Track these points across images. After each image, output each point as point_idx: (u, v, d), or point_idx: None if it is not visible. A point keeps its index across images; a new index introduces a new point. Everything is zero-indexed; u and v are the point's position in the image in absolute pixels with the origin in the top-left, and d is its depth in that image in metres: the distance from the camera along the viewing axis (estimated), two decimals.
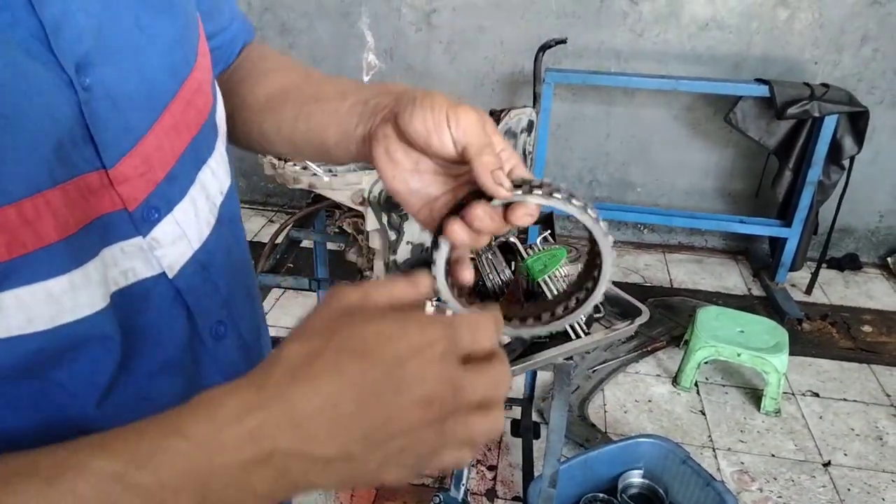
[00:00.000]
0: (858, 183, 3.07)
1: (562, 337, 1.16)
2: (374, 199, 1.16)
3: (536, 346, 1.14)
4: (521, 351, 1.13)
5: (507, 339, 1.13)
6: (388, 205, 1.17)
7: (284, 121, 0.62)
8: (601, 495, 1.85)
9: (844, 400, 2.49)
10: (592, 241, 0.52)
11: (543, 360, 1.13)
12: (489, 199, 0.48)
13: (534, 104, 2.82)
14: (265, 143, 0.67)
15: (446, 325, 0.38)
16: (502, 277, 1.12)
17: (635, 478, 1.89)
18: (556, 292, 1.11)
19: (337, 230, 1.48)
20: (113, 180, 0.45)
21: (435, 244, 0.51)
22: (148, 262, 0.49)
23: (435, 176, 0.53)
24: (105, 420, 0.46)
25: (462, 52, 3.33)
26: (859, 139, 2.86)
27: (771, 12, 3.03)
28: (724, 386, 2.55)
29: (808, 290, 3.16)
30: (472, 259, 1.17)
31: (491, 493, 2.05)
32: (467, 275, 0.53)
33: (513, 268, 1.17)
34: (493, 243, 1.21)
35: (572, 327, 1.18)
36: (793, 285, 3.19)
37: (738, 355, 2.35)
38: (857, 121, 2.83)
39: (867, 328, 2.92)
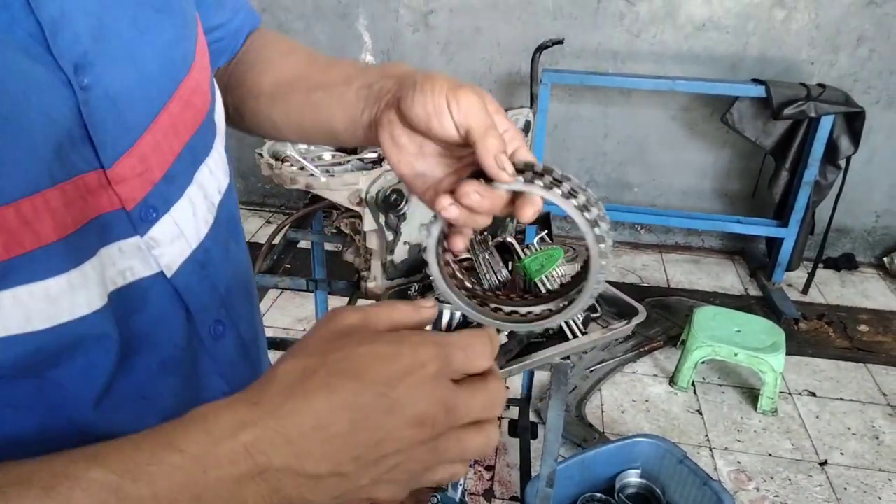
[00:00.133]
0: (855, 183, 3.08)
1: (558, 337, 1.16)
2: (372, 199, 1.16)
3: (533, 345, 1.15)
4: (517, 351, 1.13)
5: (504, 340, 1.13)
6: (386, 205, 1.17)
7: (293, 108, 0.63)
8: (598, 495, 1.86)
9: (841, 399, 2.49)
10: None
11: (540, 360, 1.13)
12: (490, 179, 0.48)
13: (530, 105, 2.83)
14: (275, 131, 0.67)
15: (439, 345, 0.39)
16: (499, 277, 1.12)
17: (632, 477, 1.90)
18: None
19: (334, 231, 1.47)
20: (111, 180, 0.45)
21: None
22: (146, 262, 0.49)
23: (440, 158, 0.53)
24: (104, 419, 0.46)
25: (459, 53, 3.34)
26: (855, 139, 2.87)
27: (768, 13, 3.04)
28: (720, 386, 2.55)
29: (805, 290, 3.17)
30: (469, 258, 1.17)
31: (488, 494, 2.05)
32: (458, 243, 0.52)
33: (510, 267, 1.18)
34: (491, 243, 1.21)
35: (569, 327, 1.18)
36: (789, 285, 3.20)
37: (735, 355, 2.36)
38: (854, 121, 2.83)
39: (863, 328, 2.93)
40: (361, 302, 0.74)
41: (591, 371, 2.57)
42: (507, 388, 2.40)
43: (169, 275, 0.51)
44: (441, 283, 0.54)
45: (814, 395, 2.52)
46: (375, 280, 1.28)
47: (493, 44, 3.30)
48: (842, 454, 2.24)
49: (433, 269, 0.53)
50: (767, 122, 2.94)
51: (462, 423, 0.38)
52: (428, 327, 0.45)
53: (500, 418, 2.25)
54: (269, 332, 2.97)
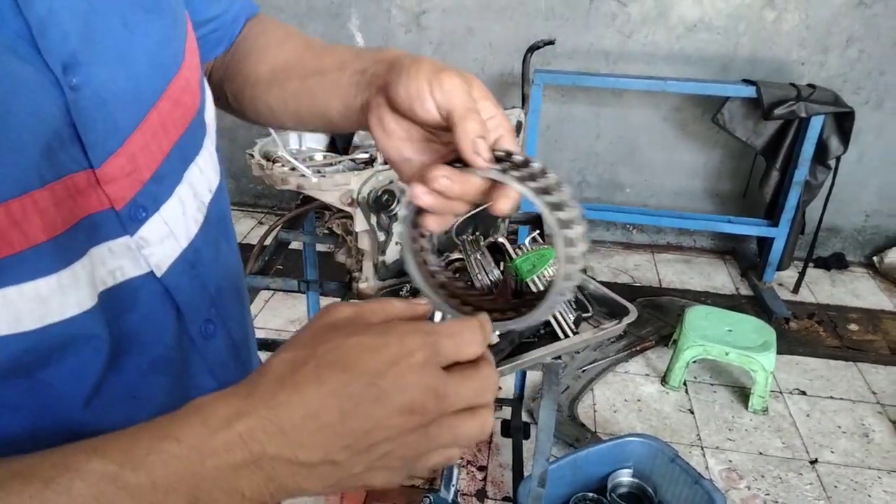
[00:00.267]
0: (844, 183, 3.10)
1: (550, 337, 1.17)
2: (363, 199, 1.16)
3: (525, 345, 1.15)
4: (509, 351, 1.13)
5: (496, 339, 1.13)
6: (377, 206, 1.17)
7: (289, 95, 0.63)
8: (591, 495, 1.86)
9: (831, 398, 2.51)
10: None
11: (532, 359, 1.13)
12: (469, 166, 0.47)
13: (522, 105, 2.83)
14: (273, 118, 0.68)
15: (427, 334, 0.39)
16: (491, 278, 1.13)
17: (625, 477, 1.90)
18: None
19: (326, 231, 1.47)
20: (100, 180, 0.45)
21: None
22: (136, 262, 0.49)
23: (427, 144, 0.52)
24: (94, 419, 0.46)
25: (451, 54, 3.34)
26: (845, 139, 2.89)
27: (758, 13, 3.06)
28: (712, 385, 2.56)
29: (796, 290, 3.19)
30: (461, 259, 1.17)
31: (481, 494, 2.06)
32: (430, 223, 0.50)
33: (501, 268, 1.18)
34: (482, 244, 1.21)
35: (561, 327, 1.19)
36: (780, 284, 3.22)
37: (727, 354, 2.37)
38: (843, 121, 2.85)
39: (853, 327, 2.95)
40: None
41: (584, 371, 2.58)
42: (500, 388, 2.41)
43: (159, 274, 0.51)
44: (411, 267, 0.53)
45: (804, 393, 2.53)
46: (367, 281, 1.28)
47: (485, 44, 3.30)
48: (832, 452, 2.25)
49: (407, 257, 0.53)
50: (758, 123, 2.95)
51: (454, 409, 0.39)
52: None
53: (497, 406, 2.25)
54: (261, 334, 2.96)
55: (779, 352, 2.45)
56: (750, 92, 2.85)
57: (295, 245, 1.74)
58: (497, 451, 2.22)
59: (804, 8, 3.01)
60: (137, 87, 0.48)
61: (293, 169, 1.24)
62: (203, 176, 0.57)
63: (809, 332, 2.90)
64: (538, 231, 1.43)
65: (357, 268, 1.30)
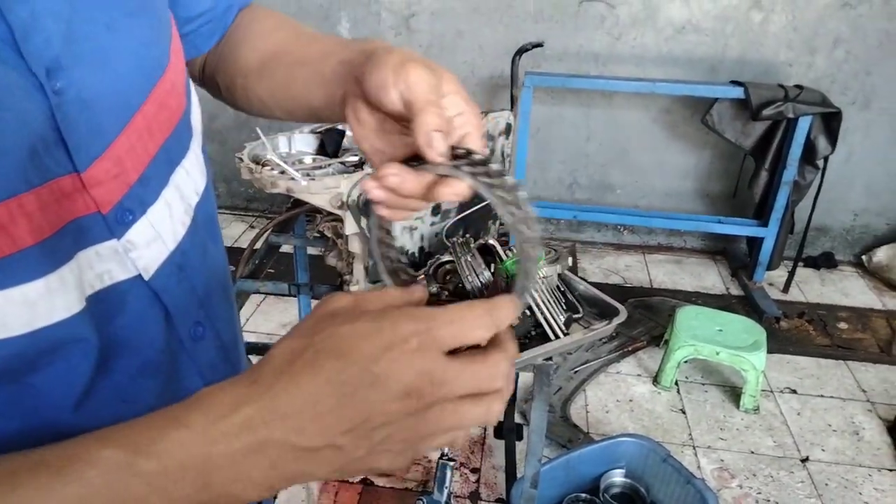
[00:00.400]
0: (832, 183, 3.12)
1: (541, 338, 1.17)
2: (353, 202, 1.16)
3: None
4: None
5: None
6: (367, 208, 1.17)
7: (276, 85, 0.63)
8: (584, 495, 1.87)
9: (821, 396, 2.52)
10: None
11: (523, 361, 1.13)
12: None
13: (511, 107, 2.84)
14: (263, 109, 0.67)
15: (421, 319, 0.39)
16: (481, 279, 1.13)
17: (617, 477, 1.91)
18: (534, 293, 1.12)
19: (317, 234, 1.47)
20: (86, 183, 0.45)
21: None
22: (123, 265, 0.49)
23: (399, 136, 0.51)
24: (83, 423, 0.46)
25: (441, 57, 3.34)
26: (833, 139, 2.91)
27: (745, 15, 3.08)
28: (703, 384, 2.57)
29: (786, 289, 3.21)
30: (451, 261, 1.17)
31: (474, 496, 2.06)
32: (384, 213, 0.49)
33: (492, 269, 1.18)
34: (473, 245, 1.22)
35: (552, 328, 1.19)
36: (770, 284, 3.23)
37: (717, 354, 2.38)
38: (831, 121, 2.88)
39: (843, 325, 2.96)
40: None
41: (576, 372, 2.58)
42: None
43: (147, 277, 0.51)
44: (381, 267, 0.53)
45: (795, 392, 2.54)
46: (358, 283, 1.28)
47: (474, 47, 3.31)
48: (823, 450, 2.27)
49: (375, 252, 0.53)
50: (747, 124, 2.97)
51: (455, 394, 0.38)
52: None
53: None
54: (252, 338, 2.95)
55: (769, 351, 2.47)
56: (738, 93, 2.87)
57: (286, 248, 1.74)
58: (490, 452, 2.22)
59: (791, 10, 3.04)
60: (122, 91, 0.48)
61: (282, 172, 1.24)
62: (190, 178, 0.57)
63: (800, 332, 2.91)
64: None
65: (348, 271, 1.30)
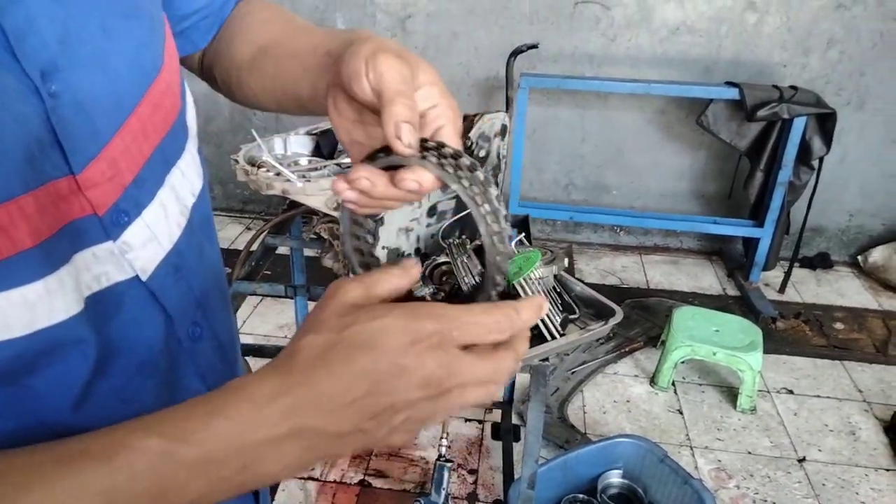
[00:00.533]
0: (828, 183, 3.13)
1: (537, 339, 1.17)
2: None
3: None
4: None
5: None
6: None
7: (266, 77, 0.63)
8: (581, 496, 1.87)
9: (818, 396, 2.53)
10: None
11: None
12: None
13: (506, 108, 2.84)
14: (256, 101, 0.67)
15: (443, 320, 0.42)
16: (477, 280, 1.13)
17: (614, 478, 1.91)
18: (530, 294, 1.12)
19: (313, 236, 1.47)
20: (81, 185, 0.45)
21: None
22: (120, 266, 0.49)
23: (377, 128, 0.49)
24: (82, 423, 0.46)
25: (437, 58, 3.34)
26: (827, 140, 2.92)
27: (740, 16, 3.09)
28: (700, 385, 2.58)
29: (782, 289, 3.21)
30: (447, 263, 1.17)
31: (472, 497, 2.06)
32: (357, 209, 0.49)
33: None
34: (469, 246, 1.21)
35: (548, 329, 1.19)
36: (766, 284, 3.24)
37: (714, 354, 2.38)
38: (825, 122, 2.88)
39: (839, 325, 2.97)
40: None
41: (573, 373, 2.58)
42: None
43: (144, 278, 0.51)
44: (353, 260, 0.53)
45: (791, 392, 2.55)
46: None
47: (470, 49, 3.31)
48: (820, 451, 2.27)
49: (348, 249, 0.53)
50: (742, 124, 2.98)
51: (467, 383, 0.42)
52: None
53: (487, 409, 2.25)
54: (249, 339, 2.94)
55: (766, 351, 2.47)
56: (733, 94, 2.88)
57: (282, 250, 1.74)
58: (487, 453, 2.22)
59: (785, 11, 3.05)
60: (117, 93, 0.48)
61: (278, 174, 1.24)
62: (186, 179, 0.57)
63: (796, 332, 2.92)
64: (524, 234, 1.44)
65: (344, 272, 1.30)
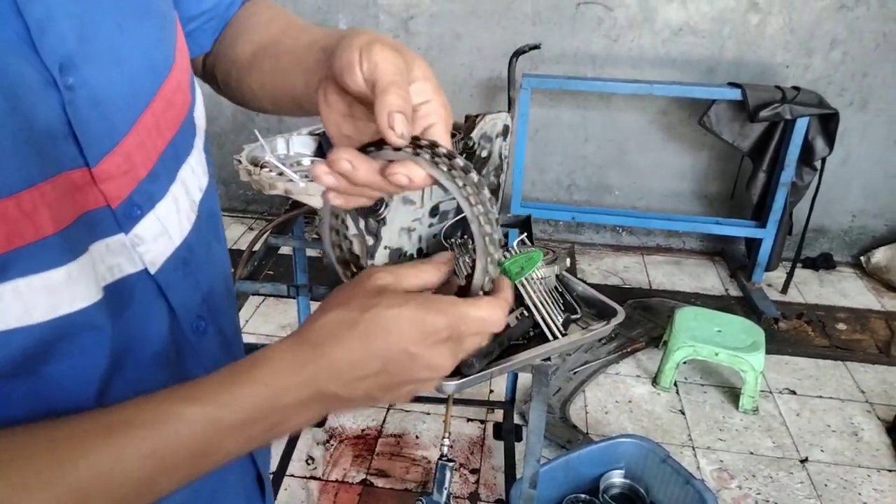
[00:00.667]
0: (830, 184, 3.13)
1: (539, 339, 1.17)
2: None
3: (514, 348, 1.15)
4: (498, 353, 1.14)
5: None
6: (366, 210, 1.18)
7: (265, 76, 0.63)
8: (583, 496, 1.87)
9: (820, 397, 2.53)
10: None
11: (520, 361, 1.13)
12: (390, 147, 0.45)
13: (509, 109, 2.85)
14: (255, 101, 0.68)
15: (455, 318, 0.47)
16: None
17: (616, 478, 1.91)
18: (532, 294, 1.12)
19: (315, 236, 1.48)
20: (96, 178, 0.45)
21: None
22: (131, 259, 0.49)
23: (367, 123, 0.50)
24: None
25: (440, 59, 3.35)
26: (830, 141, 2.92)
27: (742, 17, 3.09)
28: (702, 385, 2.58)
29: (784, 290, 3.21)
30: (448, 262, 1.17)
31: (474, 497, 2.06)
32: (335, 200, 0.49)
33: None
34: (471, 246, 1.22)
35: (550, 329, 1.19)
36: (769, 285, 3.24)
37: (716, 355, 2.38)
38: (828, 123, 2.88)
39: (842, 326, 2.97)
40: None
41: (575, 373, 2.58)
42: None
43: (153, 271, 0.51)
44: (330, 254, 0.55)
45: (794, 393, 2.55)
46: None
47: (473, 49, 3.32)
48: (822, 451, 2.27)
49: (325, 240, 0.54)
50: (744, 125, 2.98)
51: (461, 356, 0.49)
52: None
53: (489, 409, 2.25)
54: (252, 339, 2.95)
55: (768, 352, 2.47)
56: (735, 95, 2.88)
57: (285, 250, 1.74)
58: (489, 453, 2.22)
59: (787, 11, 3.05)
60: (132, 88, 0.49)
61: (281, 174, 1.24)
62: (195, 175, 0.58)
63: (798, 332, 2.92)
64: (526, 234, 1.44)
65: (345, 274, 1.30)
